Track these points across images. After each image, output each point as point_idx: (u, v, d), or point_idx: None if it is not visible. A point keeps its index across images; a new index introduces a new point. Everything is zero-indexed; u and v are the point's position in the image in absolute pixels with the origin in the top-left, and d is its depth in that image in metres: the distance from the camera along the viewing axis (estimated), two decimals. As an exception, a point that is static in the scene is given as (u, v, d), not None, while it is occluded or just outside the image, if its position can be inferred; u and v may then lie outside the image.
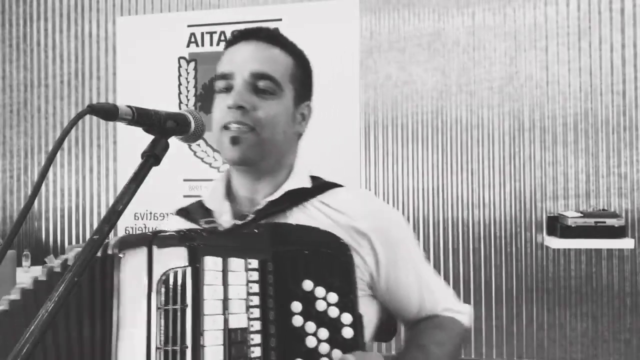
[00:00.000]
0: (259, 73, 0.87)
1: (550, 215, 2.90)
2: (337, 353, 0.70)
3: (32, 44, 3.53)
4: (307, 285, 0.72)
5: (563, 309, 2.93)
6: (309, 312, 0.71)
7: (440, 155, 3.06)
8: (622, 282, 2.89)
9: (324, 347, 0.71)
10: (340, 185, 0.94)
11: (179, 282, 0.66)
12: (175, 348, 0.65)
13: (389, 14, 3.13)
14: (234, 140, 0.83)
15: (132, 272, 0.68)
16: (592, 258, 2.91)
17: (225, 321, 0.67)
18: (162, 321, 0.66)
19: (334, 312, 0.72)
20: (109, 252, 0.71)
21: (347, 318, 0.72)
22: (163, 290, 0.67)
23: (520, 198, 2.99)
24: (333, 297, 0.72)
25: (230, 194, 0.93)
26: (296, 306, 0.71)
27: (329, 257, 0.74)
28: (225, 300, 0.68)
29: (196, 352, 0.64)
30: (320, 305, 0.72)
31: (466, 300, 3.00)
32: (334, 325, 0.71)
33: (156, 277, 0.67)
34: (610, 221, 2.68)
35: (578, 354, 2.92)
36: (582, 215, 2.72)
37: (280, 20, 2.55)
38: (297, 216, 0.88)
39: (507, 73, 3.02)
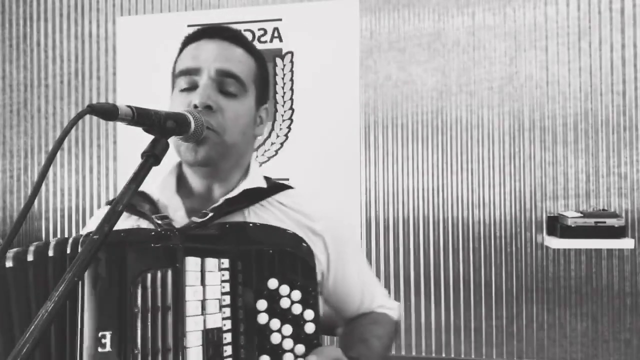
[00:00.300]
0: (226, 71, 0.85)
1: (550, 215, 2.90)
2: (300, 348, 0.73)
3: (32, 44, 3.53)
4: (272, 283, 0.74)
5: (563, 309, 2.93)
6: (274, 310, 0.73)
7: (440, 155, 3.06)
8: (622, 282, 2.89)
9: (288, 343, 0.73)
10: (290, 187, 0.96)
11: (158, 283, 0.65)
12: (155, 350, 0.63)
13: (389, 14, 3.13)
14: (198, 142, 0.81)
15: (101, 272, 0.66)
16: (592, 258, 2.91)
17: (204, 321, 0.67)
18: (140, 323, 0.64)
19: (297, 309, 0.74)
20: (68, 251, 0.68)
21: (309, 314, 0.74)
22: (140, 291, 0.65)
23: (520, 198, 2.99)
24: (296, 295, 0.74)
25: (180, 189, 0.92)
26: (262, 304, 0.73)
27: (293, 256, 0.76)
28: (204, 301, 0.68)
29: (179, 354, 0.63)
30: (285, 303, 0.73)
31: (466, 300, 3.00)
32: (297, 322, 0.73)
33: (131, 277, 0.65)
34: (610, 221, 2.68)
35: (578, 354, 2.92)
36: (582, 215, 2.72)
37: (280, 20, 2.55)
38: (255, 214, 0.89)
39: (507, 73, 3.02)
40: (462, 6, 3.07)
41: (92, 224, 0.96)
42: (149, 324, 0.64)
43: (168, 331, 0.64)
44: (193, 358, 0.64)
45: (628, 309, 2.88)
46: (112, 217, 0.58)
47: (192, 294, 0.66)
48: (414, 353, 3.05)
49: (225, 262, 0.71)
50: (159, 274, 0.65)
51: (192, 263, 0.67)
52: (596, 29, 2.94)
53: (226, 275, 0.71)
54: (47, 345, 0.67)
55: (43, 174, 0.56)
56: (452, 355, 3.02)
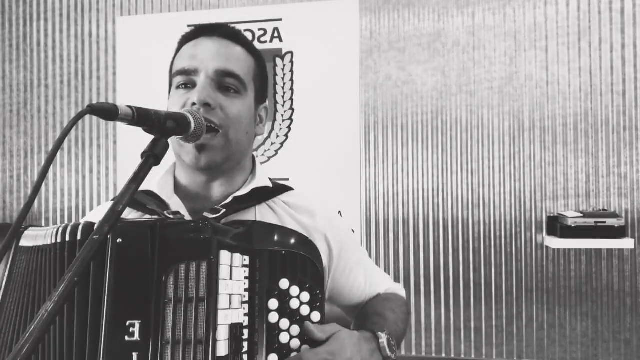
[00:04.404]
0: (225, 71, 0.85)
1: (550, 215, 2.90)
2: (306, 349, 0.74)
3: (32, 44, 3.53)
4: (284, 284, 0.75)
5: (563, 309, 2.93)
6: (284, 310, 0.74)
7: (440, 155, 3.06)
8: (622, 282, 2.89)
9: (295, 343, 0.74)
10: (291, 188, 0.98)
11: (192, 273, 0.65)
12: (186, 341, 0.63)
13: (389, 14, 3.13)
14: (200, 148, 0.81)
15: (133, 259, 0.66)
16: (592, 258, 2.91)
17: (231, 316, 0.68)
18: (171, 314, 0.64)
19: (305, 310, 0.75)
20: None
21: (316, 316, 0.76)
22: (172, 281, 0.65)
23: (520, 198, 2.99)
24: (305, 296, 0.76)
25: (177, 189, 0.91)
26: (273, 303, 0.74)
27: (303, 259, 0.77)
28: (231, 296, 0.68)
29: (210, 346, 0.63)
30: (294, 304, 0.75)
31: (466, 300, 3.00)
32: (305, 322, 0.75)
33: (164, 267, 0.65)
34: (610, 221, 2.68)
35: (578, 354, 2.92)
36: (582, 215, 2.72)
37: (280, 20, 2.55)
38: (261, 213, 0.90)
39: (507, 73, 3.02)
40: (462, 6, 3.07)
41: (91, 218, 0.95)
42: (181, 315, 0.64)
43: (199, 323, 0.63)
44: (222, 351, 0.64)
45: (628, 309, 2.88)
46: (112, 216, 0.58)
47: (224, 288, 0.66)
48: (414, 353, 3.05)
49: (247, 259, 0.72)
50: (193, 265, 0.65)
51: (225, 257, 0.67)
52: (596, 29, 2.94)
53: (246, 272, 0.72)
54: (70, 332, 0.66)
55: (43, 174, 0.56)
56: (452, 355, 3.02)
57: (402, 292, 1.08)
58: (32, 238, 0.73)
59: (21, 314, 0.70)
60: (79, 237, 0.70)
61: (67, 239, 0.70)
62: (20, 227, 0.57)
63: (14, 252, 0.72)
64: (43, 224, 3.46)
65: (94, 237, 0.55)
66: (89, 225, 0.71)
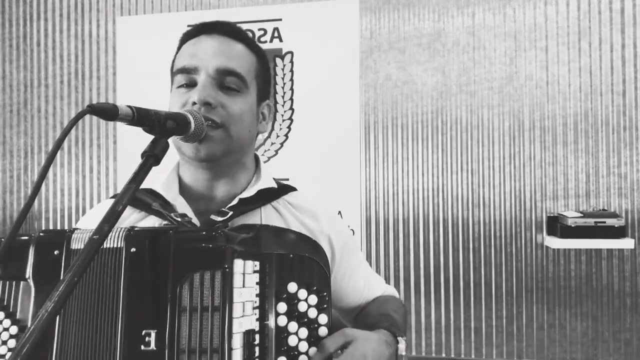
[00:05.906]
0: (226, 69, 0.84)
1: (550, 215, 2.90)
2: (313, 351, 0.75)
3: (32, 44, 3.53)
4: (292, 287, 0.75)
5: (563, 309, 2.93)
6: (292, 313, 0.75)
7: (440, 155, 3.06)
8: (622, 282, 2.89)
9: (303, 345, 0.75)
10: (295, 188, 0.98)
11: (207, 283, 0.65)
12: (202, 350, 0.63)
13: (389, 14, 3.13)
14: (201, 139, 0.81)
15: (148, 269, 0.66)
16: (592, 258, 2.91)
17: (244, 323, 0.68)
18: (186, 323, 0.64)
19: (313, 313, 0.76)
20: (113, 245, 0.68)
21: (323, 318, 0.77)
22: (187, 291, 0.65)
23: (520, 198, 2.99)
24: (313, 299, 0.76)
25: (182, 189, 0.91)
26: (282, 307, 0.74)
27: (310, 262, 0.78)
28: (244, 303, 0.68)
29: (225, 355, 0.63)
30: (302, 307, 0.75)
31: (466, 300, 3.01)
32: (312, 325, 0.76)
33: (179, 276, 0.65)
34: (610, 221, 2.68)
35: (578, 354, 2.92)
36: (582, 215, 2.72)
37: (280, 20, 2.55)
38: (269, 214, 0.90)
39: (507, 73, 3.02)
40: (462, 6, 3.06)
41: (90, 218, 0.94)
42: (197, 324, 0.64)
43: (215, 332, 0.64)
44: (237, 359, 0.65)
45: (628, 309, 2.88)
46: (112, 217, 0.58)
47: (238, 296, 0.66)
48: (414, 353, 3.05)
49: (257, 265, 0.73)
50: (207, 274, 0.65)
51: (239, 265, 0.68)
52: (596, 29, 2.94)
53: (257, 277, 0.72)
54: (86, 342, 0.66)
55: (43, 174, 0.56)
56: (452, 355, 3.02)
57: (397, 294, 1.10)
58: (82, 241, 0.72)
59: (86, 315, 0.69)
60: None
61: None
62: (20, 226, 0.57)
63: (65, 255, 0.71)
64: (43, 224, 3.46)
65: (94, 237, 0.55)
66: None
